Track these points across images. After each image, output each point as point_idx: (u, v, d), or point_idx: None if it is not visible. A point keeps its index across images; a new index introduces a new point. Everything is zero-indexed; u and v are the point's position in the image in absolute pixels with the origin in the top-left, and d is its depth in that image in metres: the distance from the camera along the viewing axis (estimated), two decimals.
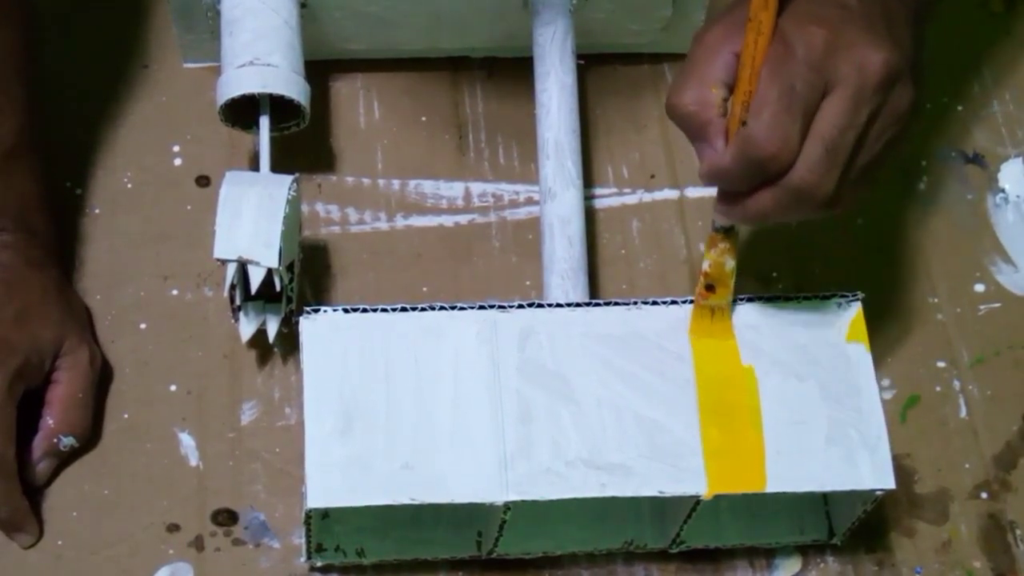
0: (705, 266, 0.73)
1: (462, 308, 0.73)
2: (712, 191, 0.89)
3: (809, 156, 0.64)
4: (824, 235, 0.88)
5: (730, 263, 0.73)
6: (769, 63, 0.64)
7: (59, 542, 0.77)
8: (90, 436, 0.79)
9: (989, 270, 0.89)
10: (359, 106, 0.91)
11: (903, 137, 0.67)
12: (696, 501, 0.71)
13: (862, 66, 0.64)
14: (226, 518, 0.78)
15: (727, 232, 0.72)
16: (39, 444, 0.77)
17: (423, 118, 0.91)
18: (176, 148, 0.88)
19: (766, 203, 0.66)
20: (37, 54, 0.80)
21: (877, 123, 0.65)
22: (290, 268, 0.78)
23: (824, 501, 0.78)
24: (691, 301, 0.74)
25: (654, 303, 0.74)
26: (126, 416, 0.80)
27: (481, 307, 0.73)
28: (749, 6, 0.65)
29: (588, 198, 0.88)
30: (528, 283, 0.86)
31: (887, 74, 0.64)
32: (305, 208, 0.86)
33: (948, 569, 0.79)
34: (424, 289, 0.85)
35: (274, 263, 0.75)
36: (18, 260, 0.78)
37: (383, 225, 0.87)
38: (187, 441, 0.80)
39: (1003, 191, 0.91)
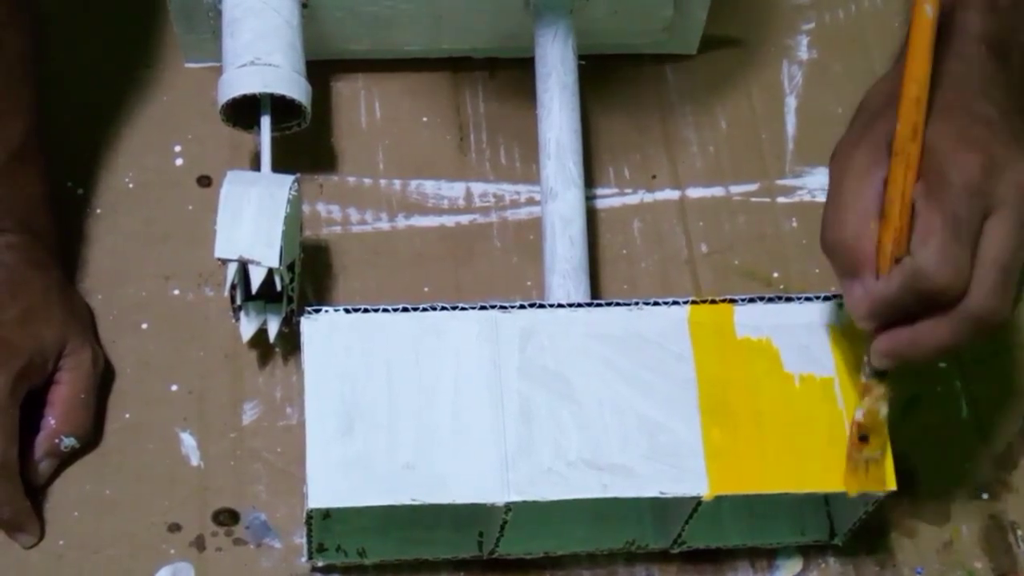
0: (859, 416, 0.71)
1: (463, 308, 0.73)
2: (712, 191, 0.90)
3: (986, 282, 0.62)
4: None
5: (884, 410, 0.70)
6: (925, 193, 0.63)
7: (60, 542, 0.77)
8: (92, 436, 0.79)
9: None
10: (360, 106, 0.91)
11: None
12: (697, 501, 0.71)
13: (1021, 185, 0.63)
14: (227, 518, 0.78)
15: (881, 376, 0.70)
16: (40, 444, 0.77)
17: (424, 118, 0.91)
18: (178, 148, 0.88)
19: (943, 335, 0.64)
20: (42, 56, 0.80)
21: None
22: (291, 268, 0.78)
23: (825, 501, 0.79)
24: (693, 301, 0.74)
25: (655, 303, 0.74)
26: (127, 416, 0.80)
27: (482, 307, 0.73)
28: (894, 138, 0.64)
29: (589, 198, 0.88)
30: (529, 283, 0.86)
31: None
32: (306, 208, 0.86)
33: (949, 570, 0.79)
34: (425, 289, 0.85)
35: (275, 263, 0.75)
36: (21, 261, 0.78)
37: (384, 225, 0.87)
38: (188, 441, 0.80)
39: None
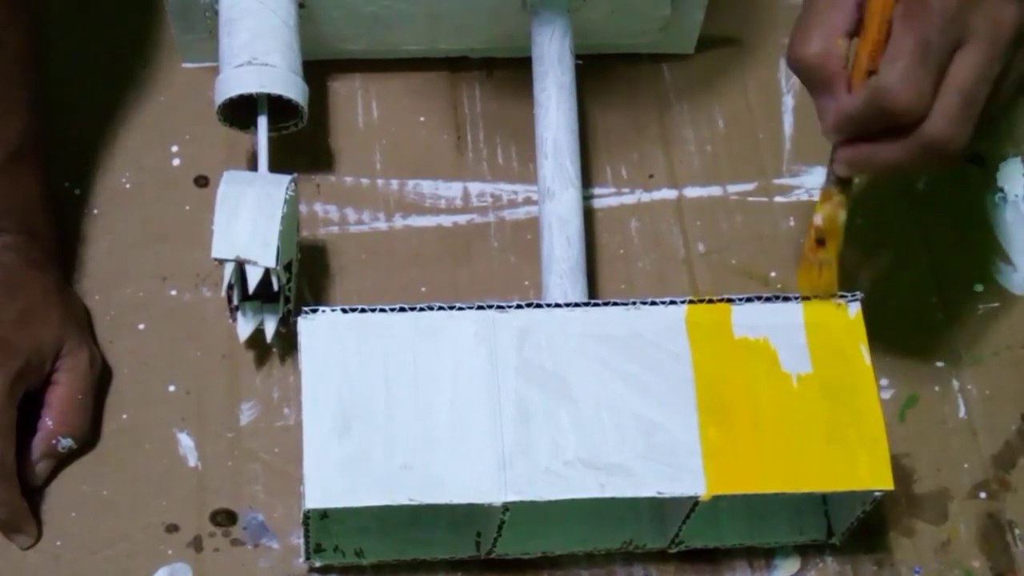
0: (817, 220, 0.72)
1: (461, 308, 0.73)
2: (709, 190, 0.90)
3: (947, 109, 0.64)
4: None
5: (843, 216, 0.72)
6: (902, 14, 0.64)
7: (58, 543, 0.77)
8: (89, 437, 0.79)
9: (989, 270, 0.89)
10: (358, 106, 0.91)
11: (1022, 92, 0.67)
12: (695, 501, 0.71)
13: (996, 21, 0.64)
14: (225, 518, 0.78)
15: (843, 185, 0.71)
16: (38, 445, 0.77)
17: (422, 118, 0.91)
18: (175, 148, 0.88)
19: (897, 154, 0.66)
20: (40, 56, 0.80)
21: (1007, 77, 0.66)
22: (288, 268, 0.78)
23: (823, 501, 0.78)
24: (691, 301, 0.74)
25: (653, 303, 0.74)
26: (125, 416, 0.80)
27: (480, 307, 0.73)
28: None
29: (587, 198, 0.88)
30: (527, 283, 0.86)
31: (1019, 29, 0.65)
32: (303, 208, 0.86)
33: (947, 569, 0.79)
34: (423, 289, 0.85)
35: (272, 263, 0.75)
36: (19, 261, 0.78)
37: (382, 225, 0.87)
38: (186, 441, 0.80)
39: (1003, 191, 0.91)
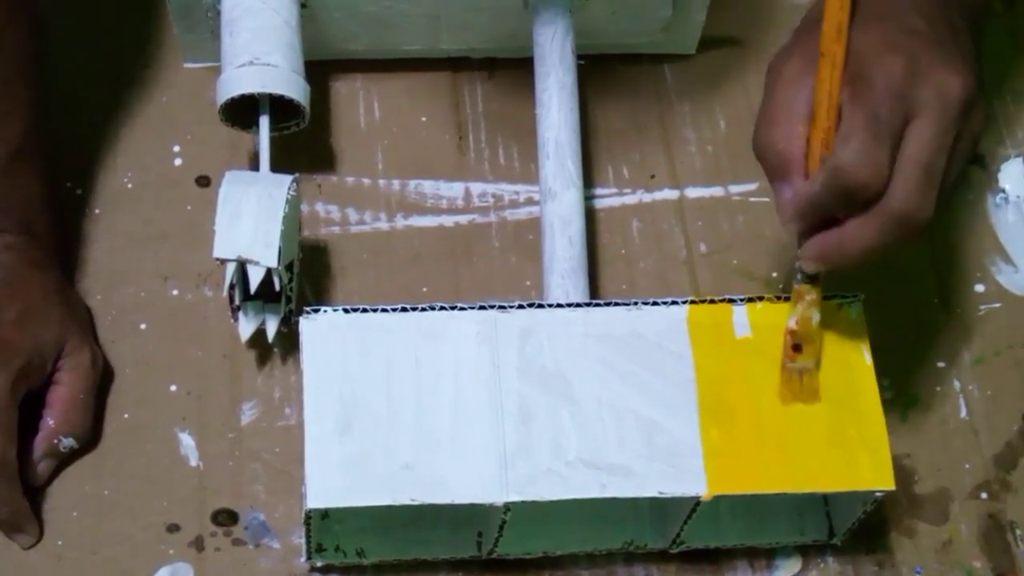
0: (791, 323, 0.71)
1: (462, 308, 0.73)
2: (711, 191, 0.90)
3: (906, 180, 0.63)
4: None
5: (816, 317, 0.71)
6: (849, 96, 0.64)
7: (59, 542, 0.77)
8: (90, 437, 0.79)
9: (989, 270, 0.89)
10: (359, 106, 0.91)
11: (972, 155, 0.67)
12: (696, 501, 0.71)
13: (943, 92, 0.64)
14: (226, 518, 0.78)
15: (812, 281, 0.71)
16: (39, 444, 0.77)
17: (423, 118, 0.91)
18: (176, 148, 0.88)
19: (867, 235, 0.65)
20: (43, 55, 0.80)
21: (959, 145, 0.65)
22: (289, 268, 0.78)
23: (824, 501, 0.78)
24: (692, 301, 0.74)
25: (654, 303, 0.74)
26: (126, 416, 0.80)
27: (481, 307, 0.73)
28: (820, 39, 0.65)
29: (588, 198, 0.88)
30: (528, 283, 0.86)
31: (966, 98, 0.64)
32: (305, 208, 0.86)
33: (948, 569, 0.79)
34: (424, 289, 0.85)
35: (273, 263, 0.75)
36: (20, 261, 0.78)
37: (383, 225, 0.87)
38: (187, 441, 0.80)
39: (1003, 191, 0.91)
